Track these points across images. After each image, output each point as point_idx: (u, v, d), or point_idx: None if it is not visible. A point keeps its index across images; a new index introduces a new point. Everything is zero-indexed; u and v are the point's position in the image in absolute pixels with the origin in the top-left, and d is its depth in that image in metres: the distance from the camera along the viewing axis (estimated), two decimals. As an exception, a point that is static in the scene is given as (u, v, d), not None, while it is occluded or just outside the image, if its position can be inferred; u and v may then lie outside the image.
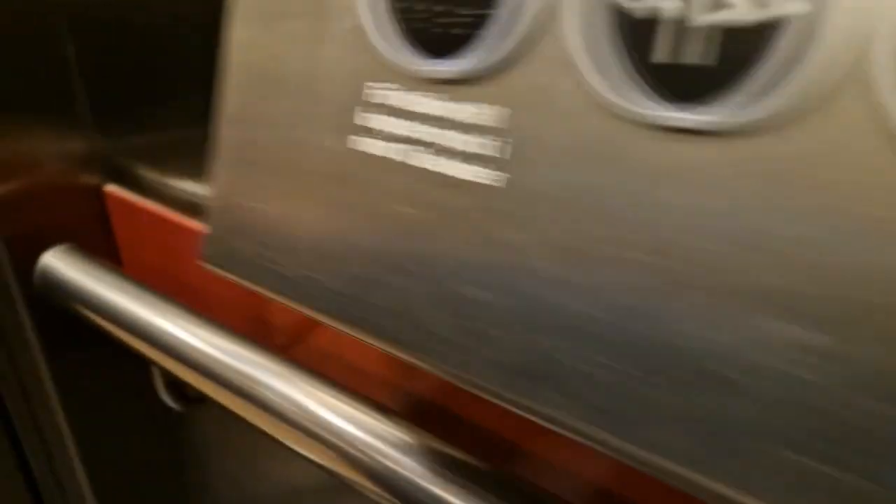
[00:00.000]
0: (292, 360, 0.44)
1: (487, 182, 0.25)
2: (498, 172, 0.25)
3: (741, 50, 0.20)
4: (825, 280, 0.19)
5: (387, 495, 0.36)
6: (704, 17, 0.20)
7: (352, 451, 0.38)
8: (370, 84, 0.28)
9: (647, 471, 0.22)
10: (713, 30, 0.20)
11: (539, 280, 0.24)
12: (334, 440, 0.40)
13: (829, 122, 0.19)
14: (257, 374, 0.45)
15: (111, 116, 0.59)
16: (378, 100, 0.28)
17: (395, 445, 0.37)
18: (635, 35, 0.21)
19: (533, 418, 0.24)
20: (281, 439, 0.42)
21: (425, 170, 0.26)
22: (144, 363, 0.51)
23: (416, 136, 0.27)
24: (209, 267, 0.33)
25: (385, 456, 0.38)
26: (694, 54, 0.21)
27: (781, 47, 0.19)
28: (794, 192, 0.19)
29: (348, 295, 0.28)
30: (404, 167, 0.27)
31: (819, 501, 0.19)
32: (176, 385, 0.65)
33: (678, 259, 0.21)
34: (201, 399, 0.51)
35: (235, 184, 0.32)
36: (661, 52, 0.21)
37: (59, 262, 0.56)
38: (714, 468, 0.21)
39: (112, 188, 0.61)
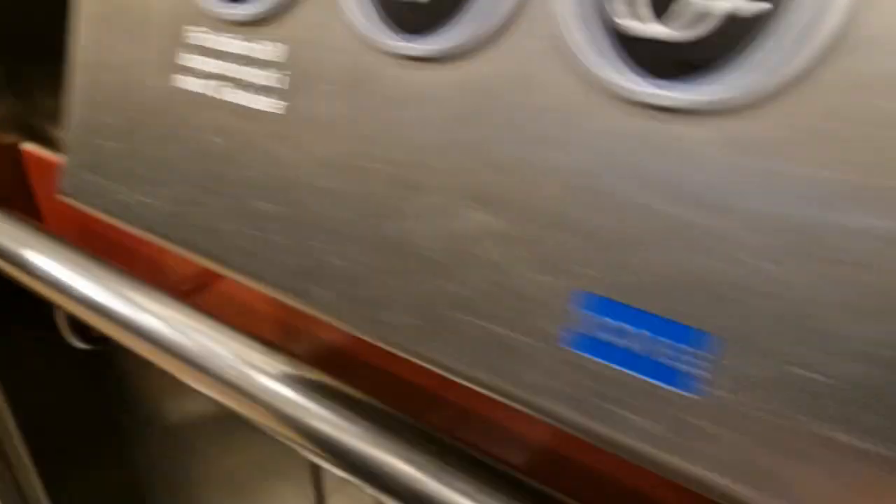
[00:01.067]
0: (184, 303, 0.47)
1: (272, 110, 0.29)
2: (280, 101, 0.29)
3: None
4: (506, 176, 0.23)
5: (276, 424, 0.40)
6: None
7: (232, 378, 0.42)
8: (187, 28, 0.32)
9: (386, 347, 0.26)
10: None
11: (312, 192, 0.28)
12: (207, 365, 0.44)
13: (513, 52, 0.23)
14: (148, 315, 0.48)
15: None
16: (194, 41, 0.32)
17: (270, 374, 0.41)
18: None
19: (308, 311, 0.28)
20: (178, 375, 0.46)
21: (228, 102, 0.30)
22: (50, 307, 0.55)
23: (221, 72, 0.31)
24: (66, 199, 0.37)
25: (267, 388, 0.41)
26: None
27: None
28: (488, 109, 0.24)
29: (173, 215, 0.32)
30: (213, 101, 0.31)
31: (494, 356, 0.24)
32: (78, 325, 0.68)
33: (413, 167, 0.25)
34: (103, 339, 0.55)
35: (86, 122, 0.36)
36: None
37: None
38: (431, 339, 0.25)
39: (30, 147, 0.65)
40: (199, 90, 0.31)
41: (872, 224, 0.18)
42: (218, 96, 0.31)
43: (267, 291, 0.30)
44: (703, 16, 0.19)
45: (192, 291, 0.60)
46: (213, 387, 0.45)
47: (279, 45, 0.28)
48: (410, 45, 0.25)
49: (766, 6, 0.18)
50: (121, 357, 0.76)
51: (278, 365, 0.43)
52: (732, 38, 0.19)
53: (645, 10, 0.20)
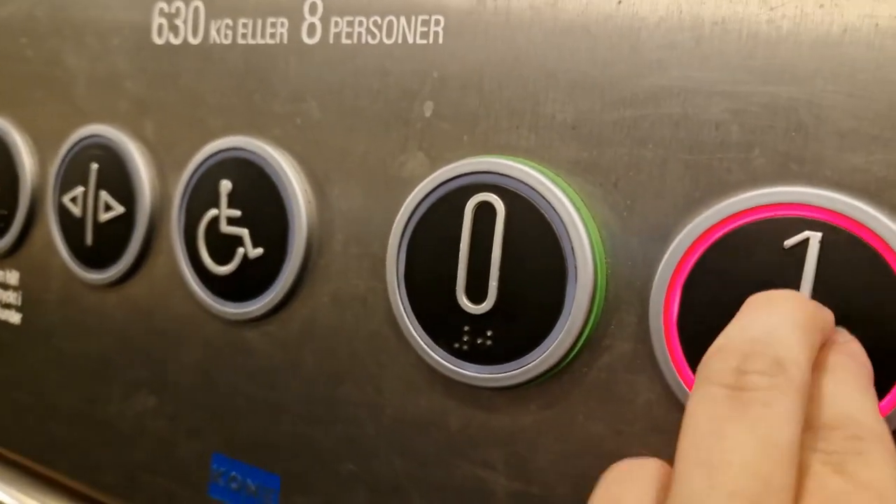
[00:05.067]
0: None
1: (15, 322, 0.38)
2: (18, 314, 0.38)
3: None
4: (162, 370, 0.33)
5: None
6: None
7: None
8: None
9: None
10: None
11: (49, 384, 0.37)
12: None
13: (151, 285, 0.33)
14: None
15: None
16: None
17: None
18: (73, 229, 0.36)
19: (51, 475, 0.36)
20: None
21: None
22: None
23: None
24: None
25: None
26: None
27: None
28: (143, 322, 0.33)
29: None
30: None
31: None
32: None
33: (106, 364, 0.35)
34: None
35: None
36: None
37: None
38: (129, 496, 0.34)
39: None
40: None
41: (350, 395, 0.28)
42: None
43: (27, 463, 0.38)
44: (231, 257, 0.30)
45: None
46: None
47: (15, 272, 0.38)
48: (93, 276, 0.35)
49: (259, 251, 0.30)
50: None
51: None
52: (254, 272, 0.30)
53: (212, 260, 0.31)
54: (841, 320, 0.20)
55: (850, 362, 0.18)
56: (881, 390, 0.19)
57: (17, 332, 0.38)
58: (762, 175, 0.21)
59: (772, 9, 0.21)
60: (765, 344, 0.16)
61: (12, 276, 0.38)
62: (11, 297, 0.38)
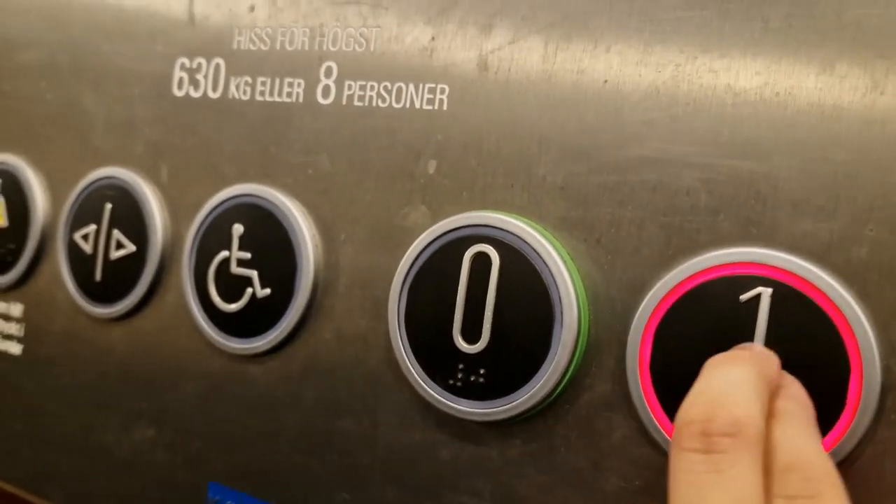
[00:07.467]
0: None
1: (16, 353, 0.40)
2: (20, 346, 0.40)
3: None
4: (162, 401, 0.34)
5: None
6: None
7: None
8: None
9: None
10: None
11: (45, 415, 0.38)
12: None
13: (160, 320, 0.35)
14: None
15: None
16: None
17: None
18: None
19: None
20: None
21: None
22: None
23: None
24: None
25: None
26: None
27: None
28: (147, 357, 0.35)
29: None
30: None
31: None
32: None
33: (104, 395, 0.36)
34: None
35: None
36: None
37: None
38: None
39: None
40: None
41: (347, 427, 0.30)
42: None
43: (19, 492, 0.39)
44: (240, 296, 0.32)
45: None
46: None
47: (18, 304, 0.40)
48: (99, 310, 0.37)
49: (267, 291, 0.32)
50: None
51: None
52: (261, 310, 0.32)
53: (220, 298, 0.33)
54: (788, 364, 0.22)
55: (796, 406, 0.21)
56: (825, 429, 0.22)
57: (16, 363, 0.39)
58: (727, 236, 0.24)
59: (736, 94, 0.24)
60: (721, 405, 0.19)
61: (16, 309, 0.40)
62: (14, 328, 0.40)
